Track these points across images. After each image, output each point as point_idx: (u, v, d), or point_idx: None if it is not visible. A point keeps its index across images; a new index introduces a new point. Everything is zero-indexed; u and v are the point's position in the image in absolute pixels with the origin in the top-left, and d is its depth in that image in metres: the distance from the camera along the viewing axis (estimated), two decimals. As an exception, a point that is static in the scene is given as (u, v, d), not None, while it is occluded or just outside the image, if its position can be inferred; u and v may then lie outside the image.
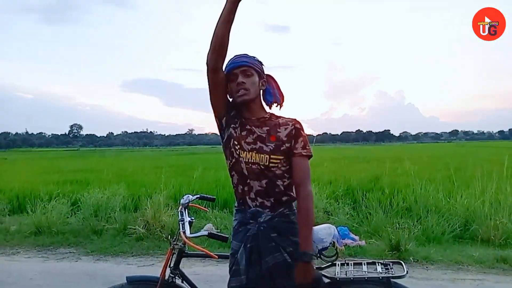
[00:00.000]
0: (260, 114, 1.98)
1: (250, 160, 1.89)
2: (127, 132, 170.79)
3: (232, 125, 1.97)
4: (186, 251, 2.28)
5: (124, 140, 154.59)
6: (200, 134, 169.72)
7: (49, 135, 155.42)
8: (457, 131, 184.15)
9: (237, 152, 1.91)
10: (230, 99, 2.00)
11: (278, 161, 1.88)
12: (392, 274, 1.95)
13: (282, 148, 1.89)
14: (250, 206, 1.91)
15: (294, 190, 1.92)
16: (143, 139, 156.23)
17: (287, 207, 1.92)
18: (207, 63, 1.87)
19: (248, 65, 1.93)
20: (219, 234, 2.15)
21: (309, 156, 1.91)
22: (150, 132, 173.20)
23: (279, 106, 2.03)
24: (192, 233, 2.06)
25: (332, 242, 2.04)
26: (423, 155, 22.69)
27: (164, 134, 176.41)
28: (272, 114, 2.01)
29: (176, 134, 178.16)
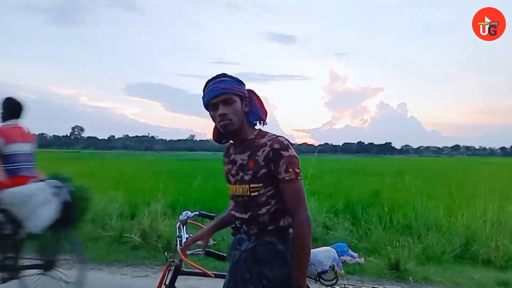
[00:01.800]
0: (247, 135, 1.85)
1: (235, 193, 1.84)
2: (128, 135, 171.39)
3: (225, 161, 1.96)
4: (182, 268, 2.25)
5: (125, 143, 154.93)
6: (201, 140, 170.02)
7: (50, 136, 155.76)
8: (459, 146, 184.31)
9: (228, 186, 1.90)
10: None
11: (258, 188, 1.77)
12: None
13: (259, 175, 1.76)
14: (237, 233, 1.88)
15: (286, 217, 1.80)
16: (144, 143, 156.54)
17: (274, 236, 1.79)
18: None
19: (228, 92, 1.79)
20: (217, 252, 2.15)
21: (297, 178, 1.74)
22: (152, 136, 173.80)
23: (262, 123, 1.90)
24: (190, 251, 2.07)
25: (332, 266, 2.02)
26: (425, 169, 22.67)
27: (166, 139, 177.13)
28: (259, 131, 1.88)
29: (178, 140, 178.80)
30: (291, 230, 1.78)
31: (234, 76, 1.86)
